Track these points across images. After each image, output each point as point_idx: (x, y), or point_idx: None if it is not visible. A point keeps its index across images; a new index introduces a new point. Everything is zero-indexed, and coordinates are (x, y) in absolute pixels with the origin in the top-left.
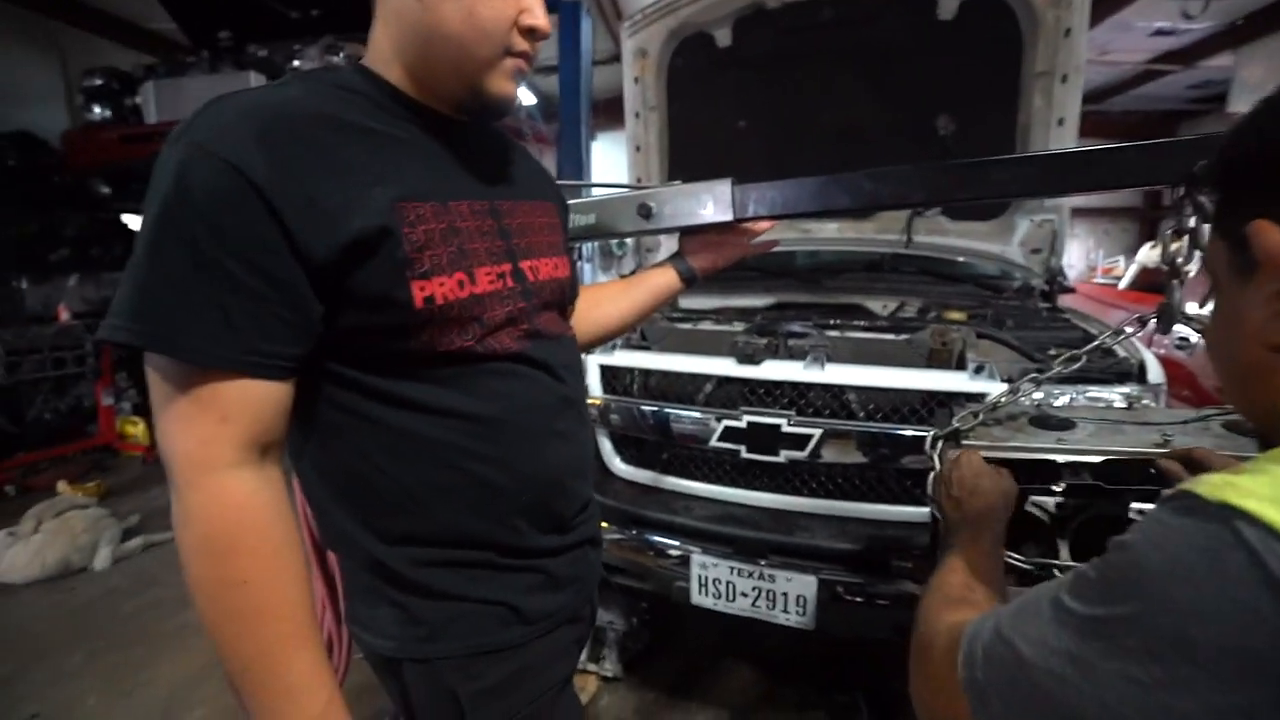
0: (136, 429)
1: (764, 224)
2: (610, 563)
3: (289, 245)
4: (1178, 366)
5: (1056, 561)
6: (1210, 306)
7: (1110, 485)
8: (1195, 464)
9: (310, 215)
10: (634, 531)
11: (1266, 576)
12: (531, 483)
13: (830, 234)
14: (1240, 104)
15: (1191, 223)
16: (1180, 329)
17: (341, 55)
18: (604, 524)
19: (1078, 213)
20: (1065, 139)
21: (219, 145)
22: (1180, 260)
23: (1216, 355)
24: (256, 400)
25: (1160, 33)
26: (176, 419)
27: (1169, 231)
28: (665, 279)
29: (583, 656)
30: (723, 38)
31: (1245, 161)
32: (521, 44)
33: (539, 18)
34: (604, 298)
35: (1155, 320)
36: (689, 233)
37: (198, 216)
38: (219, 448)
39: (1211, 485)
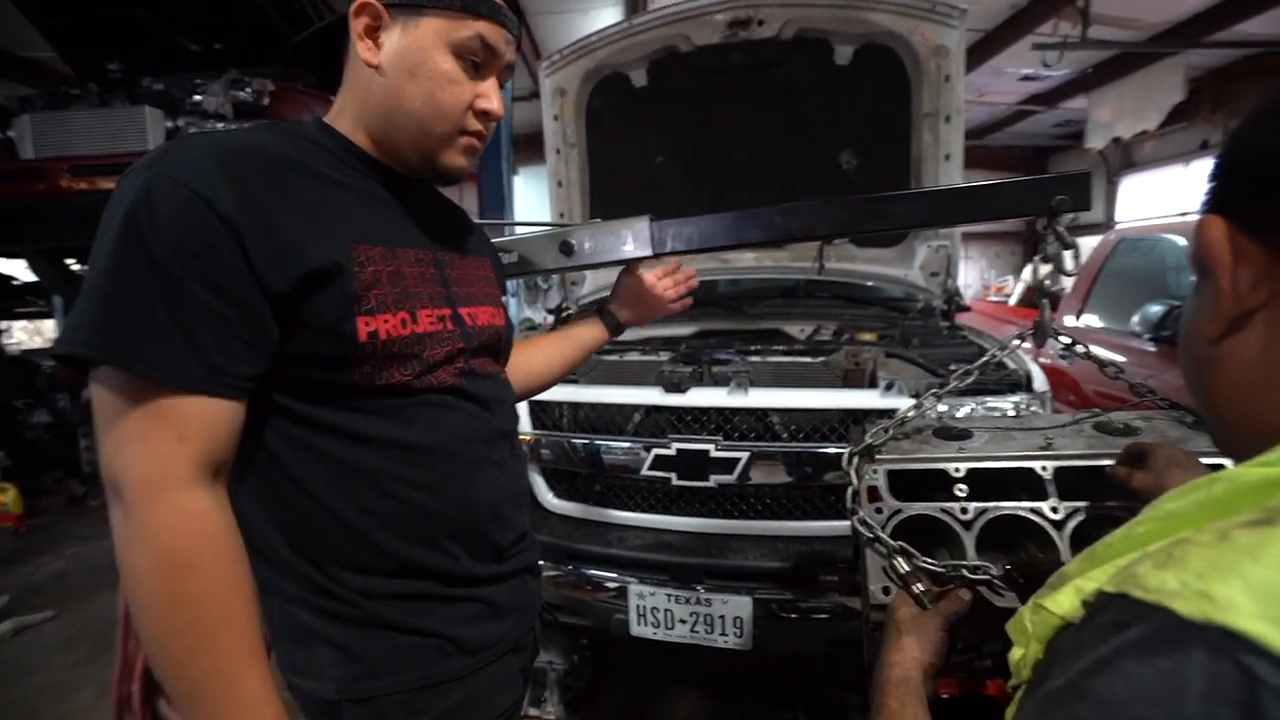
0: (6, 496)
1: (681, 290)
2: (548, 600)
3: (250, 272)
4: (1061, 374)
5: (965, 562)
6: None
7: (1005, 487)
8: (1142, 458)
9: (271, 246)
10: (570, 566)
11: None
12: (468, 510)
13: (748, 263)
14: (1094, 140)
15: (1051, 248)
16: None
17: (247, 90)
18: (539, 561)
19: (970, 238)
20: (952, 172)
21: (187, 176)
22: (1048, 282)
23: (1180, 351)
24: (214, 419)
25: (1027, 78)
26: (131, 437)
27: (1038, 257)
28: (593, 332)
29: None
30: (638, 78)
31: (1226, 151)
32: (475, 125)
33: (493, 103)
34: (536, 351)
35: (1032, 335)
36: (616, 284)
37: (163, 238)
38: (177, 465)
39: (1186, 598)
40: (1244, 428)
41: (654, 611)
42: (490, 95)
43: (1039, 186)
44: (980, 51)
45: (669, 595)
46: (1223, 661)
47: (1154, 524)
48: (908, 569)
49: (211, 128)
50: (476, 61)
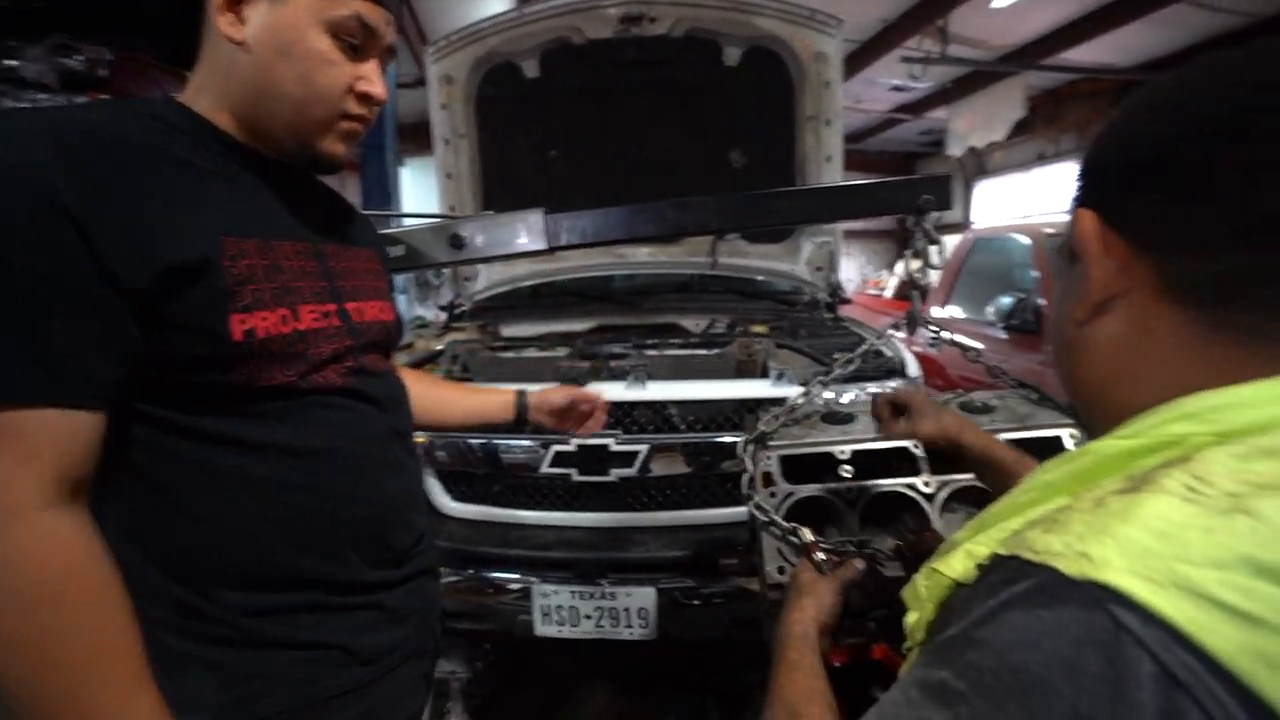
0: None
1: (600, 417)
2: (448, 608)
3: (97, 267)
4: (931, 360)
5: (850, 538)
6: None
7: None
8: (902, 408)
9: (122, 238)
10: (470, 571)
11: (1166, 676)
12: (364, 513)
13: (643, 258)
14: (953, 148)
15: (919, 244)
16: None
17: (78, 59)
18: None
19: (850, 235)
20: (833, 173)
21: (17, 160)
22: (917, 275)
23: (1051, 330)
24: (65, 433)
25: (896, 88)
26: None
27: (908, 252)
28: (500, 407)
29: (425, 714)
30: (531, 69)
31: (1094, 146)
32: (356, 109)
33: (376, 86)
34: (439, 396)
35: (906, 324)
36: (548, 393)
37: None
38: (22, 490)
39: (1068, 557)
40: (1102, 404)
41: (558, 609)
42: (372, 77)
43: (908, 187)
44: (855, 62)
45: (573, 592)
46: (1095, 612)
47: (1034, 492)
48: (810, 538)
49: (31, 100)
50: (354, 43)
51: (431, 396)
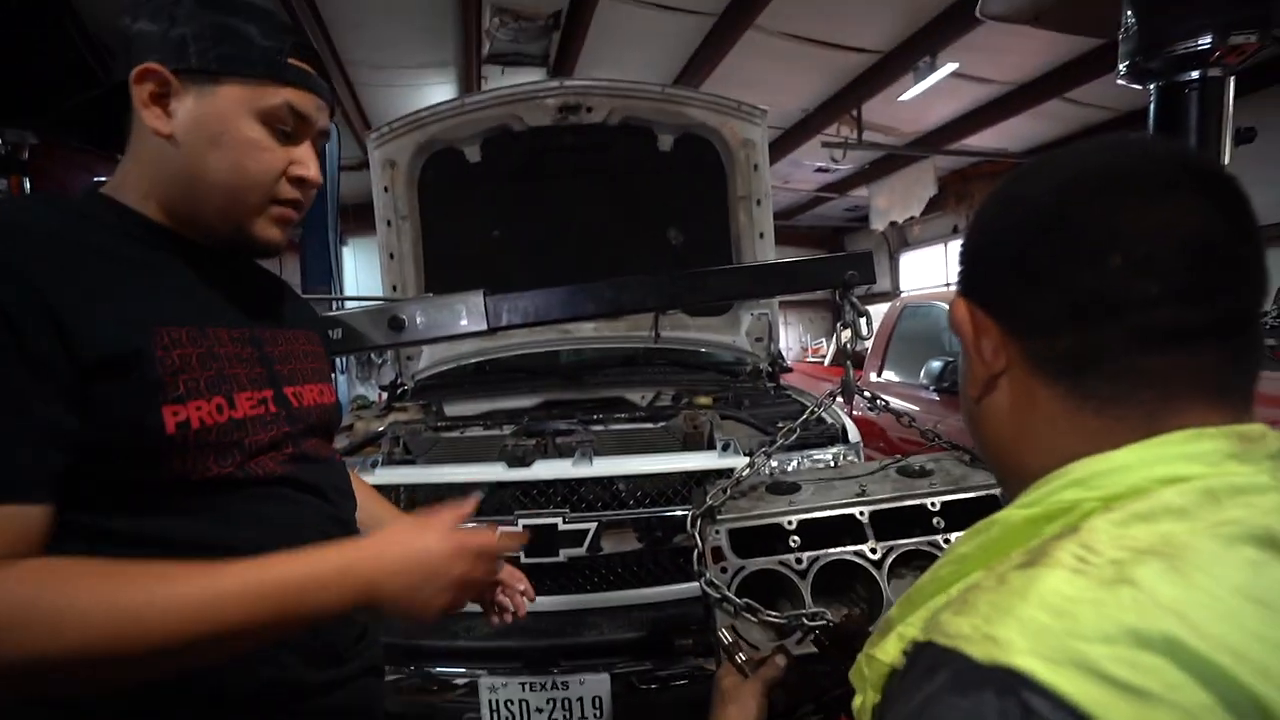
0: None
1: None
2: (388, 711)
3: (34, 359)
4: (871, 424)
5: (804, 610)
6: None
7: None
8: None
9: (51, 333)
10: (412, 667)
11: None
12: None
13: (588, 333)
14: (877, 223)
15: (849, 316)
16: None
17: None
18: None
19: (789, 305)
20: (766, 248)
21: None
22: (848, 345)
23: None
24: (21, 527)
25: (820, 169)
26: None
27: (839, 324)
28: None
29: None
30: (472, 154)
31: (970, 235)
32: (290, 193)
33: (310, 170)
34: (378, 514)
35: (841, 392)
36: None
37: None
38: None
39: (977, 641)
40: (1007, 472)
41: (508, 704)
42: (306, 161)
43: (833, 264)
44: (782, 146)
45: (523, 684)
46: (1007, 699)
47: (951, 566)
48: (729, 640)
49: None
50: (286, 129)
51: (371, 516)
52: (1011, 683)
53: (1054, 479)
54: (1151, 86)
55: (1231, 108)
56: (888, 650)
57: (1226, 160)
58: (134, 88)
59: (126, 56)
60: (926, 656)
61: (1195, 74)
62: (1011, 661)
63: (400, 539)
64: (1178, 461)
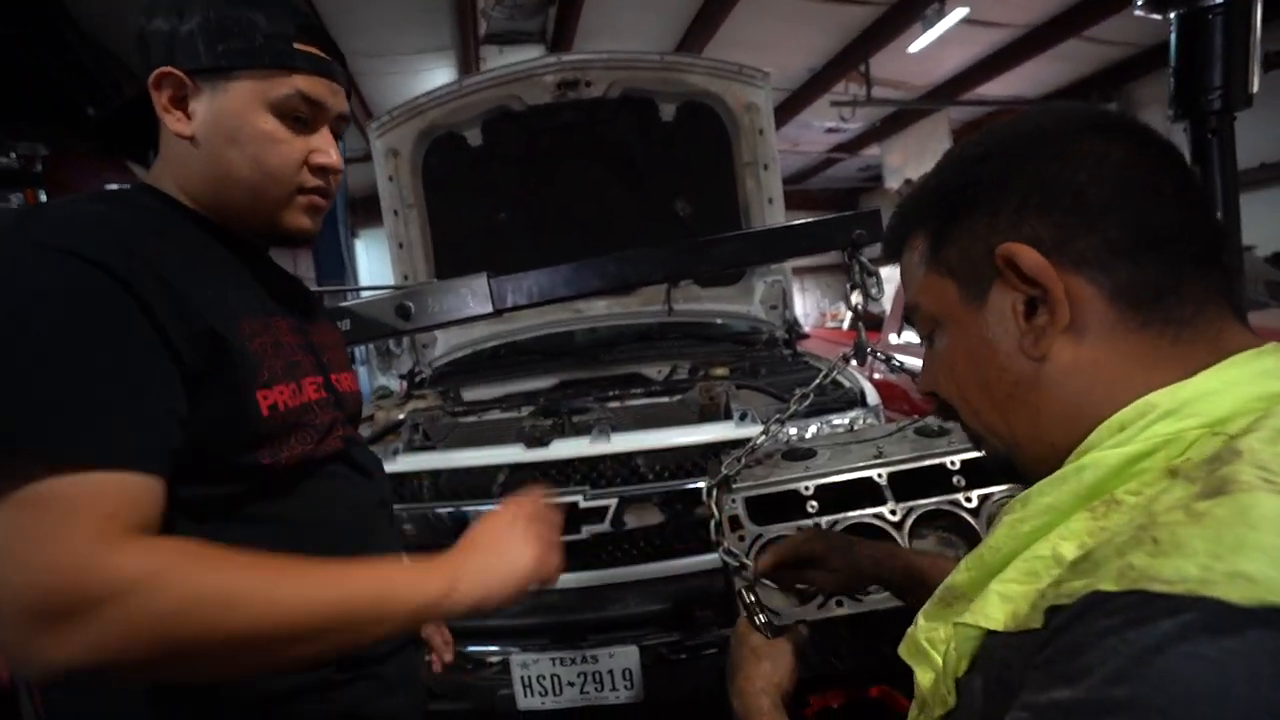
0: None
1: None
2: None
3: (162, 340)
4: (893, 387)
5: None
6: (937, 349)
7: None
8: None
9: (177, 315)
10: None
11: None
12: None
13: (600, 311)
14: (891, 182)
15: (857, 277)
16: (899, 353)
17: (12, 155)
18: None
19: (806, 271)
20: (776, 214)
21: (71, 245)
22: (859, 306)
23: (963, 392)
24: (144, 497)
25: (830, 130)
26: (45, 535)
27: (848, 285)
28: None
29: None
30: (474, 138)
31: (958, 195)
32: (314, 180)
33: (330, 156)
34: None
35: (854, 354)
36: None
37: (62, 311)
38: (109, 533)
39: (1220, 583)
40: (1066, 432)
41: (540, 680)
42: (325, 148)
43: (840, 224)
44: (789, 108)
45: (554, 659)
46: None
47: (1037, 519)
48: (750, 599)
49: None
50: (301, 117)
51: None
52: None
53: (1135, 417)
54: (1172, 15)
55: (1260, 31)
56: (989, 614)
57: (1255, 88)
58: (154, 93)
59: (145, 60)
60: (1127, 607)
61: None
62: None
63: (461, 540)
64: (1258, 380)
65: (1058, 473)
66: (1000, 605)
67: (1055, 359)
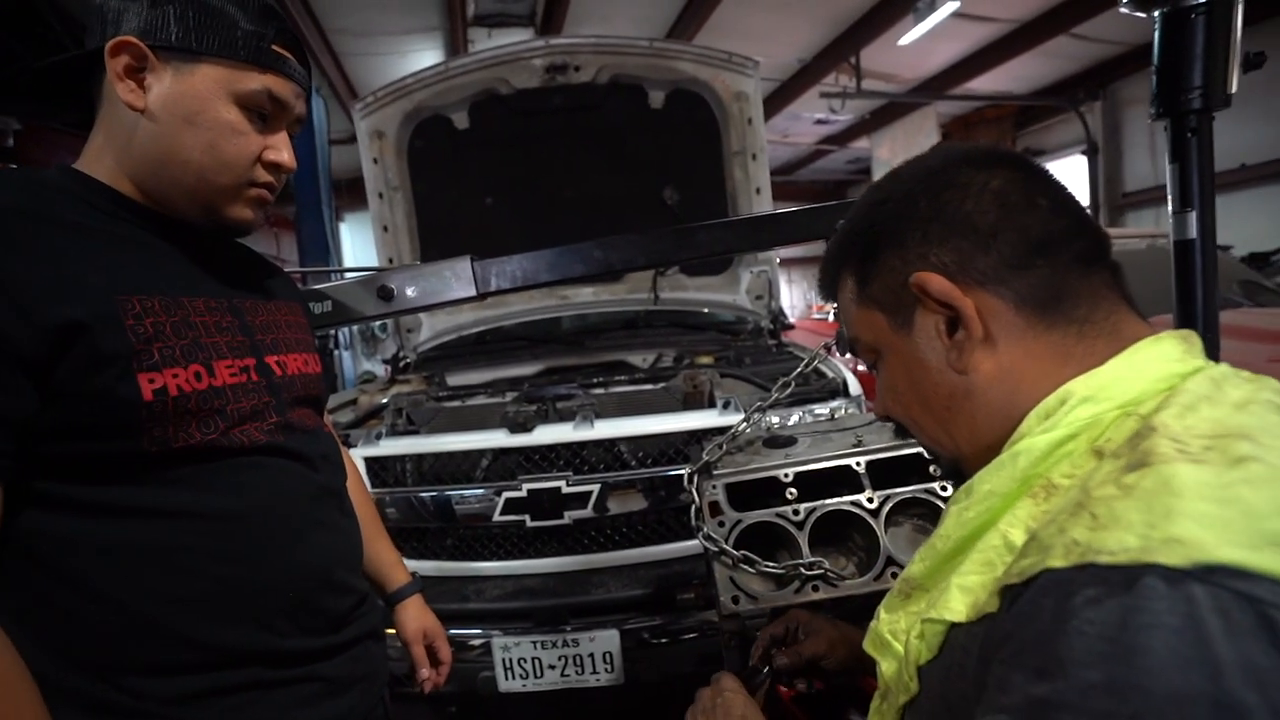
0: None
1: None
2: (407, 673)
3: None
4: (874, 379)
5: (801, 560)
6: (881, 375)
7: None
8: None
9: (4, 303)
10: None
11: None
12: (293, 578)
13: (587, 298)
14: (879, 174)
15: None
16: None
17: None
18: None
19: (794, 262)
20: (763, 204)
21: None
22: None
23: (909, 412)
24: None
25: (820, 121)
26: None
27: None
28: (388, 571)
29: None
30: (460, 120)
31: (869, 237)
32: (264, 176)
33: (284, 156)
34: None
35: (835, 345)
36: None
37: None
38: None
39: (1158, 549)
40: (996, 430)
41: (521, 662)
42: (280, 148)
43: (824, 213)
44: (779, 99)
45: (535, 642)
46: (1222, 595)
47: (980, 504)
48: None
49: None
50: (264, 114)
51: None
52: (1220, 578)
53: (1057, 405)
54: (1156, 13)
55: (1240, 33)
56: (953, 607)
57: (1234, 88)
58: (109, 59)
59: (101, 27)
60: (1083, 580)
61: None
62: (1213, 558)
63: None
64: (1160, 363)
65: (995, 460)
66: (961, 597)
67: (978, 369)
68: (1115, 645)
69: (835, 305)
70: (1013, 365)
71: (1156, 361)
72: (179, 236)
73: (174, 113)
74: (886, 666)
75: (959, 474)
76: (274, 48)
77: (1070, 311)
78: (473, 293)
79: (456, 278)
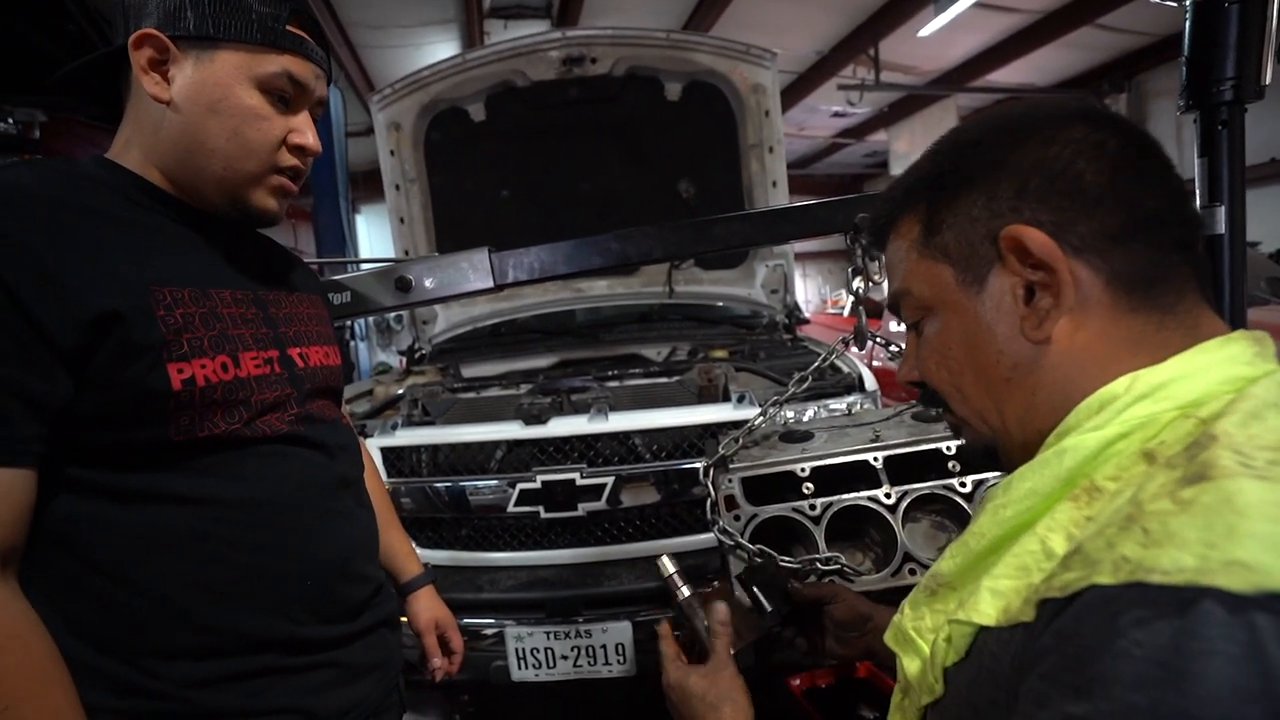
0: None
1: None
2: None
3: (25, 320)
4: (891, 372)
5: (817, 555)
6: (927, 336)
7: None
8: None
9: (46, 292)
10: None
11: None
12: (312, 566)
13: (602, 290)
14: (897, 168)
15: (860, 261)
16: (899, 340)
17: (9, 121)
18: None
19: (809, 256)
20: (779, 197)
21: None
22: (860, 291)
23: (957, 380)
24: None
25: (837, 114)
26: None
27: (849, 270)
28: (401, 562)
29: None
30: (477, 113)
31: (951, 179)
32: (289, 160)
33: (308, 138)
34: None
35: (853, 339)
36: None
37: None
38: None
39: (1218, 571)
40: (1048, 414)
41: (534, 652)
42: (303, 129)
43: (842, 207)
44: (796, 91)
45: (548, 633)
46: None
47: (1019, 504)
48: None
49: None
50: (285, 96)
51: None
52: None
53: (1111, 398)
54: (1188, 2)
55: (1276, 21)
56: (982, 610)
57: (1268, 79)
58: (133, 53)
59: (124, 22)
60: (1132, 599)
61: None
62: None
63: None
64: (1227, 365)
65: (1038, 458)
66: (992, 601)
67: (1056, 341)
68: (1165, 670)
69: (881, 252)
70: (1086, 344)
71: (1224, 363)
72: (206, 228)
73: (198, 102)
74: (909, 663)
75: (989, 457)
76: (290, 29)
77: (1159, 298)
78: (490, 284)
79: (474, 269)
